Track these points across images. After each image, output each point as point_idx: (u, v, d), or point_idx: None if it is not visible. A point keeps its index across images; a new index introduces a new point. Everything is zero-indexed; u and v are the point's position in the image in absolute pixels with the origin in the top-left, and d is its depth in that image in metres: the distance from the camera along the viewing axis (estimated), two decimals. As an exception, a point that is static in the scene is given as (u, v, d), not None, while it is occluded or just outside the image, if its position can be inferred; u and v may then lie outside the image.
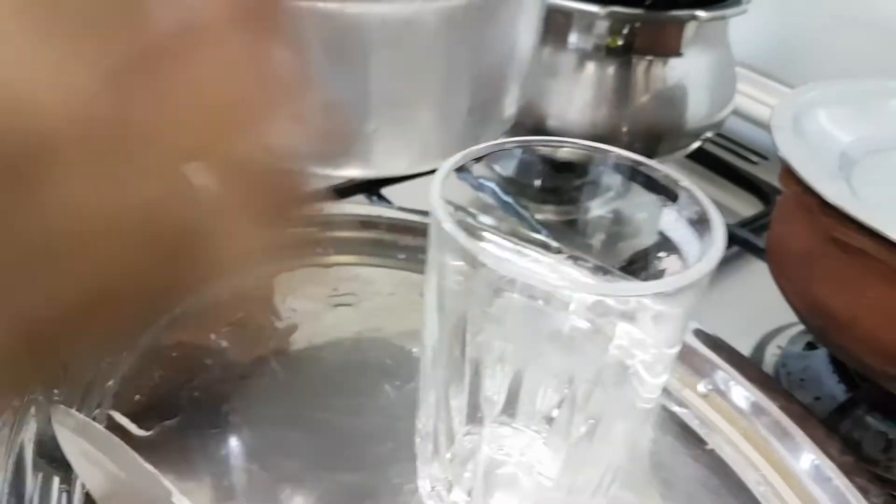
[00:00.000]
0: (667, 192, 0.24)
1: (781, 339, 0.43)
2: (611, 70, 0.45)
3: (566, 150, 0.26)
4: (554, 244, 0.30)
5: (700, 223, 0.23)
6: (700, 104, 0.47)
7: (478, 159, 0.24)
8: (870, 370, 0.32)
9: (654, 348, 0.22)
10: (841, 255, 0.31)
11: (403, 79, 0.34)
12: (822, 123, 0.36)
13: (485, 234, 0.28)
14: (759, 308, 0.45)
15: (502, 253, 0.28)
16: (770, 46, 0.60)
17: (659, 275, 0.24)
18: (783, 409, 0.31)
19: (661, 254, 0.24)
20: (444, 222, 0.21)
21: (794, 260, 0.34)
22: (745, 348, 0.42)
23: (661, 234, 0.24)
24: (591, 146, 0.25)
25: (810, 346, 0.41)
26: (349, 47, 0.33)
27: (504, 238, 0.29)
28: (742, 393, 0.32)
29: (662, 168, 0.24)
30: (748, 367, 0.33)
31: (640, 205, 0.25)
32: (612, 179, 0.26)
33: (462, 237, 0.20)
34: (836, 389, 0.38)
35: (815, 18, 0.58)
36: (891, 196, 0.34)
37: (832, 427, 0.34)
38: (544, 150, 0.26)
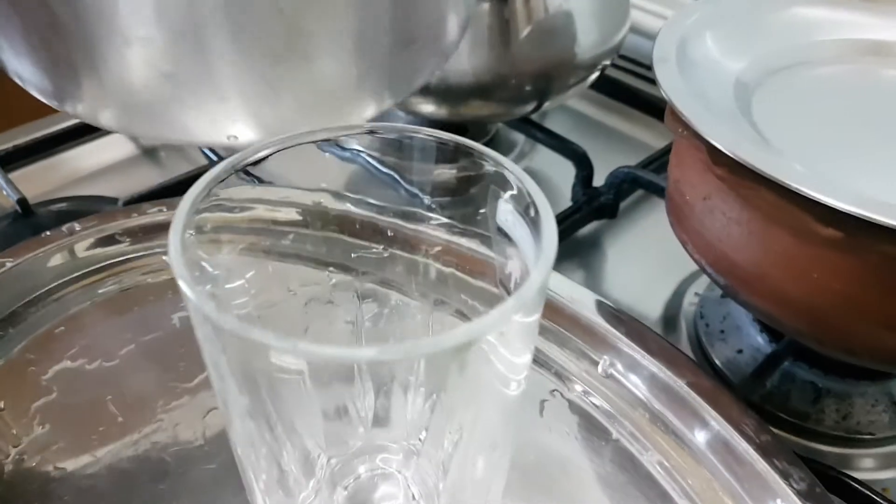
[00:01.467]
0: (497, 181, 0.19)
1: (699, 285, 0.39)
2: (484, 6, 0.40)
3: (378, 138, 0.21)
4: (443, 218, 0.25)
5: (533, 218, 0.18)
6: (590, 31, 0.42)
7: (255, 163, 0.20)
8: (782, 326, 0.29)
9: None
10: (742, 206, 0.27)
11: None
12: (712, 48, 0.31)
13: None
14: (673, 252, 0.41)
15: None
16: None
17: (506, 280, 0.20)
18: (693, 385, 0.27)
19: (507, 251, 0.20)
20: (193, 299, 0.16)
21: (692, 211, 0.30)
22: (661, 297, 0.39)
23: (500, 229, 0.20)
24: (407, 129, 0.20)
25: (729, 290, 0.37)
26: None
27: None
28: (647, 371, 0.28)
29: (489, 152, 0.19)
30: (653, 340, 0.29)
31: (475, 195, 0.21)
32: (446, 169, 0.21)
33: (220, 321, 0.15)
34: (759, 339, 0.35)
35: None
36: (795, 125, 0.30)
37: (751, 392, 0.31)
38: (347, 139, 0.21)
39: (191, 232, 0.18)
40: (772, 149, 0.27)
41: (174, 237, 0.17)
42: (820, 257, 0.25)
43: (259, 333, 0.15)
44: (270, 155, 0.20)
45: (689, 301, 0.38)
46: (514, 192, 0.18)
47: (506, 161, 0.19)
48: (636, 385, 0.28)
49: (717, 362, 0.35)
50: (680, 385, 0.27)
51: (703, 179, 0.29)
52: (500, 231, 0.20)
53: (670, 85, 0.28)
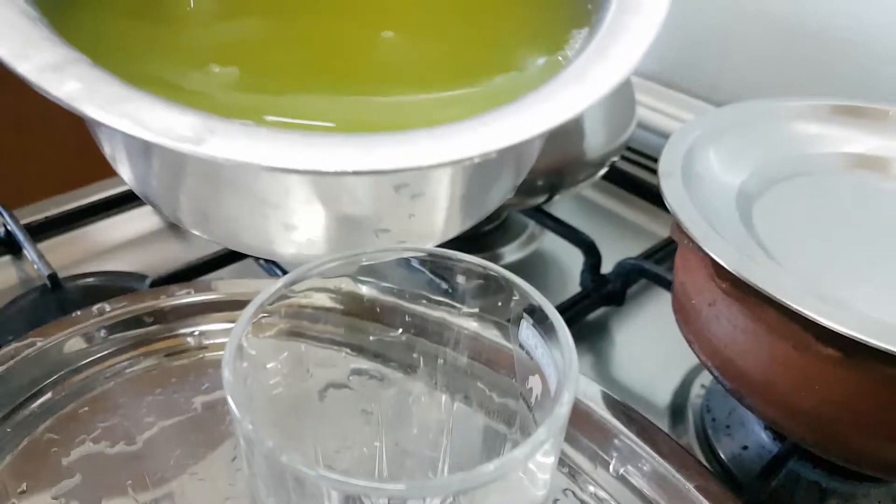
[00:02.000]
0: (522, 303, 0.21)
1: (706, 377, 0.40)
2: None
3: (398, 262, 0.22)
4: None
5: (554, 343, 0.19)
6: (599, 130, 0.44)
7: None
8: (787, 432, 0.30)
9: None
10: (746, 316, 0.28)
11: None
12: (715, 161, 0.33)
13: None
14: (680, 341, 0.42)
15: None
16: (668, 55, 0.58)
17: (527, 394, 0.21)
18: (701, 489, 0.28)
19: (527, 372, 0.21)
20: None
21: (699, 315, 0.31)
22: (668, 386, 0.40)
23: (521, 346, 0.21)
24: (434, 252, 0.22)
25: (734, 385, 0.39)
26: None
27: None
28: (657, 473, 0.29)
29: (516, 281, 0.21)
30: (663, 441, 0.30)
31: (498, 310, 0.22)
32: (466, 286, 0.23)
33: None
34: (764, 436, 0.36)
35: (712, 22, 0.55)
36: (795, 233, 0.31)
37: (758, 492, 0.32)
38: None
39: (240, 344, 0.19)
40: (773, 264, 0.29)
41: (229, 355, 0.18)
42: (821, 371, 0.26)
43: (289, 459, 0.16)
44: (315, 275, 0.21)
45: (696, 392, 0.39)
46: (538, 316, 0.20)
47: (532, 291, 0.20)
48: (646, 487, 0.29)
49: (724, 457, 0.35)
50: (689, 488, 0.28)
51: (709, 287, 0.30)
52: (522, 347, 0.21)
53: (675, 200, 0.30)
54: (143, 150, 0.24)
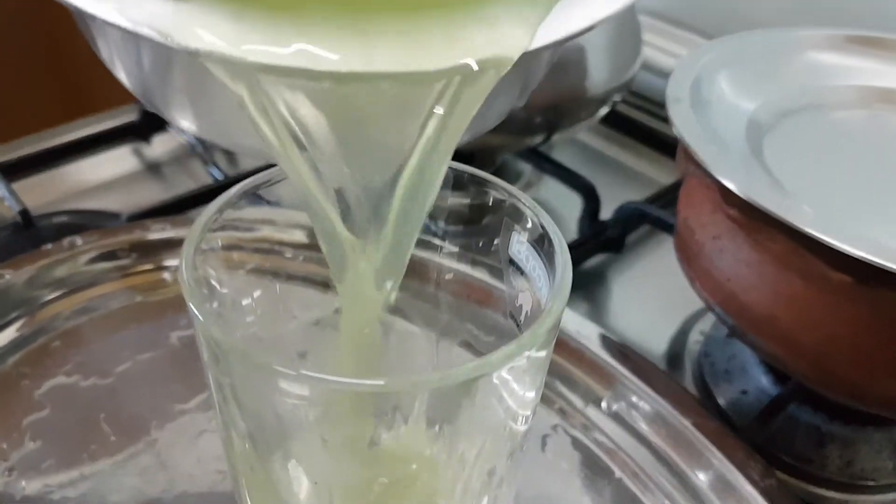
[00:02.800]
0: (511, 213, 0.19)
1: (705, 323, 0.39)
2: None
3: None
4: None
5: (547, 251, 0.18)
6: (601, 66, 0.42)
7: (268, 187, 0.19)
8: (789, 369, 0.28)
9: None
10: (752, 247, 0.27)
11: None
12: (725, 88, 0.31)
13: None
14: (678, 289, 0.41)
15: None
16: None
17: (517, 312, 0.20)
18: (698, 426, 0.27)
19: (518, 283, 0.20)
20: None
21: (701, 250, 0.30)
22: (665, 334, 0.39)
23: (512, 261, 0.19)
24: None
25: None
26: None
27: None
28: (651, 410, 0.28)
29: (503, 185, 0.19)
30: (658, 378, 0.29)
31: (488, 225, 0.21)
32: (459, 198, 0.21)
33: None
34: (764, 381, 0.34)
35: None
36: (806, 167, 0.30)
37: (756, 435, 0.31)
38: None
39: (203, 249, 0.18)
40: (784, 192, 0.27)
41: (186, 255, 0.16)
42: (829, 302, 0.25)
43: (264, 358, 0.15)
44: (283, 179, 0.19)
45: (694, 339, 0.38)
46: (529, 225, 0.18)
47: (521, 194, 0.18)
48: (640, 423, 0.28)
49: (722, 403, 0.34)
50: (685, 425, 0.27)
51: (714, 219, 0.29)
52: (513, 263, 0.19)
53: (684, 124, 0.28)
54: (133, 43, 0.22)
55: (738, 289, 0.28)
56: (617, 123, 0.52)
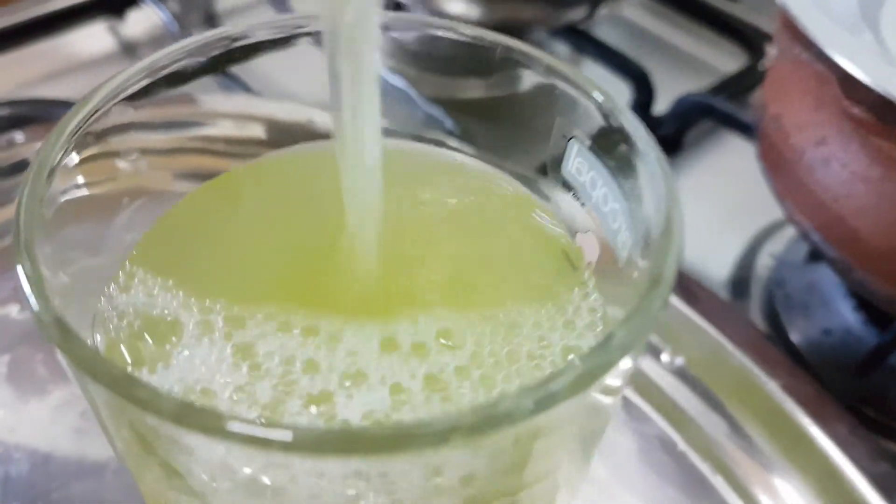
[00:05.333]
0: (564, 105, 0.12)
1: (776, 243, 0.32)
2: None
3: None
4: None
5: (625, 170, 0.11)
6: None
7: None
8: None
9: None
10: (874, 156, 0.20)
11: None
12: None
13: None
14: (744, 201, 0.34)
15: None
16: None
17: (574, 256, 0.14)
18: (789, 390, 0.21)
19: (573, 214, 0.13)
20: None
21: (799, 158, 0.23)
22: (728, 255, 0.32)
23: (566, 182, 0.13)
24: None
25: (815, 254, 0.31)
26: None
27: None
28: (728, 366, 0.22)
29: (557, 64, 0.12)
30: (734, 321, 0.23)
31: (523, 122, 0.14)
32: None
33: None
34: (852, 319, 0.28)
35: None
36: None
37: (851, 393, 0.25)
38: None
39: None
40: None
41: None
42: None
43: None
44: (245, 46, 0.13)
45: (763, 263, 0.32)
46: (599, 124, 0.12)
47: (584, 78, 0.12)
48: (708, 381, 0.22)
49: (797, 343, 0.28)
50: (772, 388, 0.21)
51: (819, 118, 0.22)
52: (567, 186, 0.13)
53: (790, -15, 0.21)
54: None
55: (847, 211, 0.21)
56: (673, 0, 0.44)
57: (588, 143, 0.12)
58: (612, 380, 0.10)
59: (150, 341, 0.13)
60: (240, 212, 0.16)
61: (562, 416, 0.10)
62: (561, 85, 0.12)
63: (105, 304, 0.13)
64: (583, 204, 0.12)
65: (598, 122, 0.11)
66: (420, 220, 0.15)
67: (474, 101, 0.17)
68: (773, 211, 0.27)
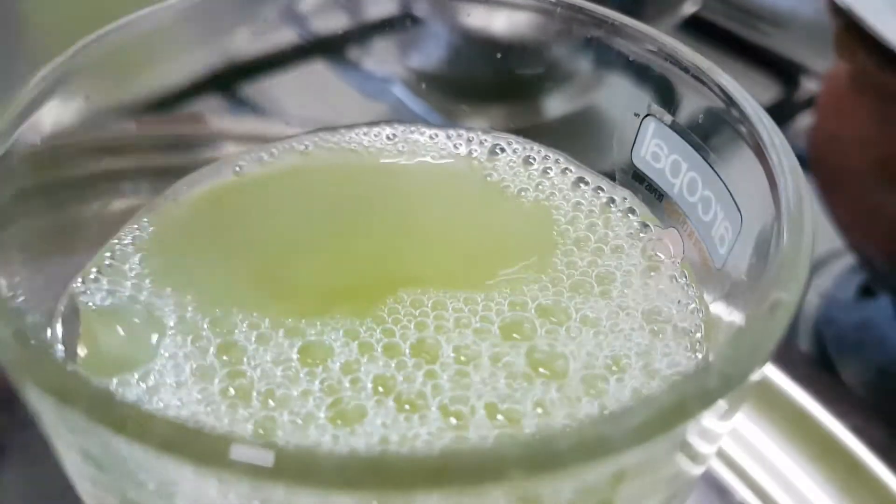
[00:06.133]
0: (661, 84, 0.11)
1: (824, 278, 0.30)
2: None
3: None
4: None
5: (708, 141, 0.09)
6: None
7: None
8: None
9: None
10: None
11: None
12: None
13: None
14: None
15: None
16: None
17: (659, 264, 0.11)
18: (861, 433, 0.19)
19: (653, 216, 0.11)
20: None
21: (857, 177, 0.21)
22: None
23: (638, 173, 0.11)
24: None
25: (867, 290, 0.29)
26: None
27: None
28: (791, 408, 0.20)
29: (623, 18, 0.11)
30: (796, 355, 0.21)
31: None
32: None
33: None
34: (913, 358, 0.26)
35: None
36: None
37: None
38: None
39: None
40: None
41: None
42: None
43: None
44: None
45: (811, 302, 0.29)
46: (684, 101, 0.10)
47: (674, 44, 0.10)
48: (772, 426, 0.20)
49: (847, 383, 0.26)
50: (844, 433, 0.19)
51: (885, 131, 0.20)
52: (639, 178, 0.11)
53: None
54: None
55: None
56: (701, 29, 0.43)
57: (669, 119, 0.10)
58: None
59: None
60: (236, 215, 0.15)
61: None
62: (643, 51, 0.10)
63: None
64: (660, 197, 0.10)
65: (701, 89, 0.09)
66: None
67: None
68: (820, 241, 0.25)
